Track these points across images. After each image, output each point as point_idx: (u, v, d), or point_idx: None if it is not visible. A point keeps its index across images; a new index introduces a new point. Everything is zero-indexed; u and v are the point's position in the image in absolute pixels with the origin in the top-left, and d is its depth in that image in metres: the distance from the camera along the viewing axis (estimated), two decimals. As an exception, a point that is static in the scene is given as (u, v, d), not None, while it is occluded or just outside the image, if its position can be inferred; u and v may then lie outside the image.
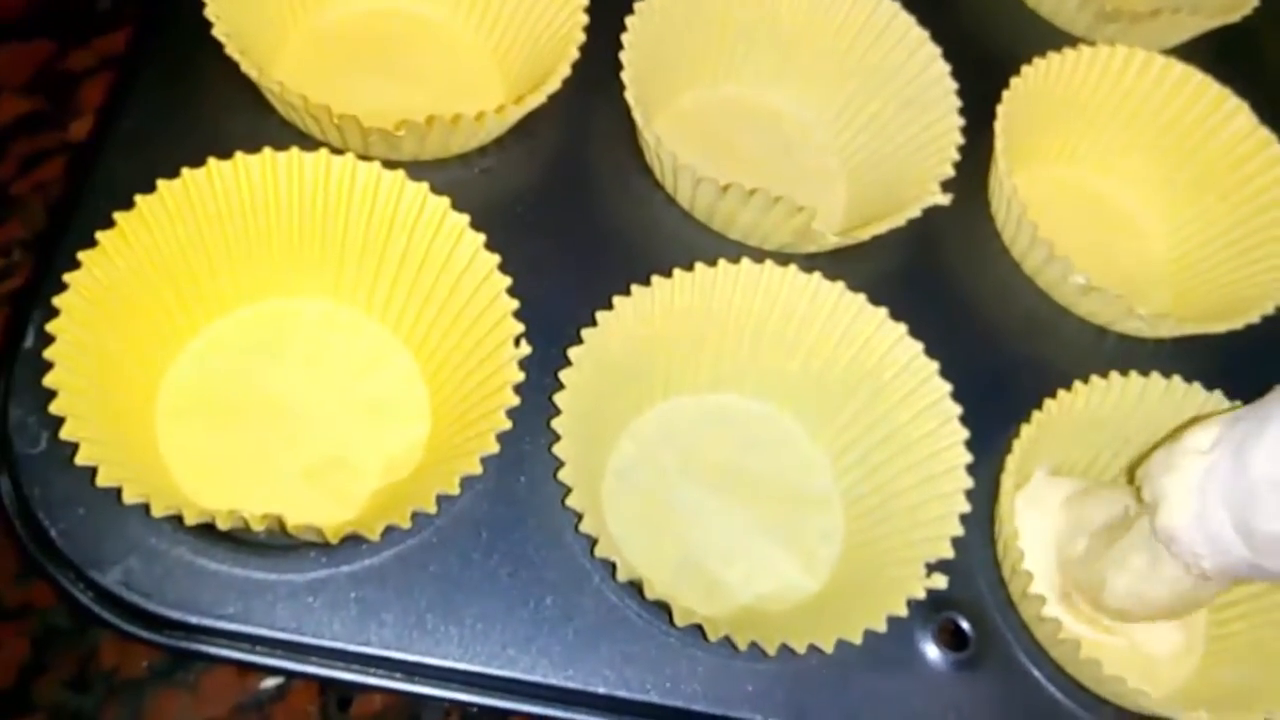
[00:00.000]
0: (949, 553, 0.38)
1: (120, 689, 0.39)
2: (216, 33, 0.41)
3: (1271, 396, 0.37)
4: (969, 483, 0.40)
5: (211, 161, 0.38)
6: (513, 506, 0.39)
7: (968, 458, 0.40)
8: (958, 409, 0.41)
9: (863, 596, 0.40)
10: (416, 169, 0.41)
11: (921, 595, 0.38)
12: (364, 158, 0.40)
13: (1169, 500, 0.38)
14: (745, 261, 0.42)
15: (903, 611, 0.37)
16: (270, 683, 0.40)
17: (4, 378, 0.37)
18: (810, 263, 0.43)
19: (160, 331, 0.40)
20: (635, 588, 0.36)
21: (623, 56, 0.44)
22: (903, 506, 0.41)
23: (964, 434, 0.40)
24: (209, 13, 0.41)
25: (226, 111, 0.44)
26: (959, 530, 0.39)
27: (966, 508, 0.39)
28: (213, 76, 0.43)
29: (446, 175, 0.43)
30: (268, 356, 0.42)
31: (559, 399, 0.38)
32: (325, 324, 0.43)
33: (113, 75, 0.49)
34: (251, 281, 0.42)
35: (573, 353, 0.39)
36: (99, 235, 0.36)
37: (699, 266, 0.41)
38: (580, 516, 0.37)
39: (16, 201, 0.46)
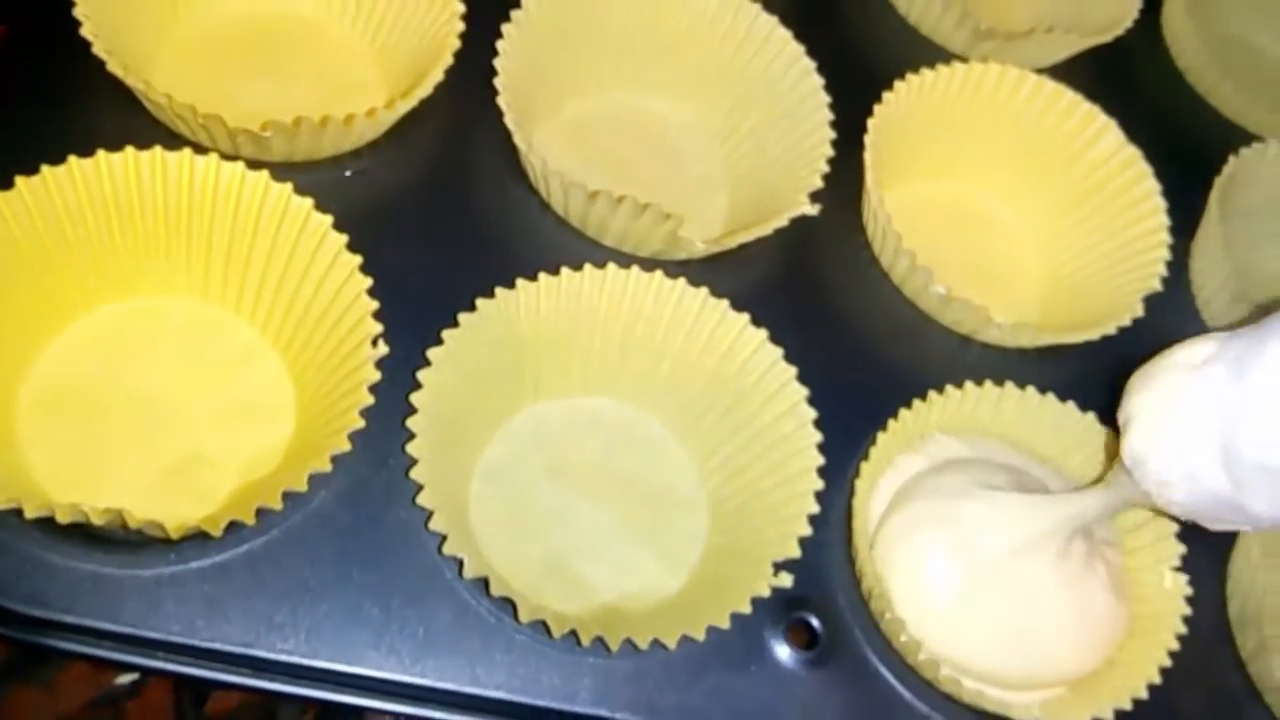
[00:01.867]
0: (796, 552, 0.39)
1: (-29, 685, 0.39)
2: (84, 32, 0.41)
3: (1273, 316, 0.34)
4: (820, 484, 0.41)
5: (72, 159, 0.39)
6: (368, 505, 0.39)
7: (820, 460, 0.41)
8: (813, 412, 0.42)
9: (716, 595, 0.41)
10: (287, 170, 0.42)
11: (766, 593, 0.39)
12: (233, 158, 0.41)
13: (1142, 419, 0.35)
14: (611, 266, 0.43)
15: (747, 609, 0.38)
16: (125, 679, 0.40)
17: None
18: (682, 270, 0.44)
19: (23, 326, 0.40)
20: (483, 584, 0.37)
21: (497, 63, 0.45)
22: (761, 507, 0.42)
23: (818, 436, 0.41)
24: (77, 12, 0.42)
25: (96, 110, 0.44)
26: (807, 530, 0.40)
27: (816, 508, 0.40)
28: (84, 75, 0.43)
29: (315, 177, 0.43)
30: (134, 354, 0.42)
31: (416, 399, 0.39)
32: (193, 323, 0.43)
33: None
34: (118, 279, 0.42)
35: (432, 353, 0.39)
36: (-34, 216, 0.37)
37: (565, 271, 0.42)
38: (430, 514, 0.37)
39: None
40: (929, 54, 0.56)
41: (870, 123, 0.49)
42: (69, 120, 0.44)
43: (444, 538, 0.37)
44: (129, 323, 0.43)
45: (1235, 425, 0.33)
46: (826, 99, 0.49)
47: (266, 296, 0.42)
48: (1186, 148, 0.56)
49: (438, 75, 0.45)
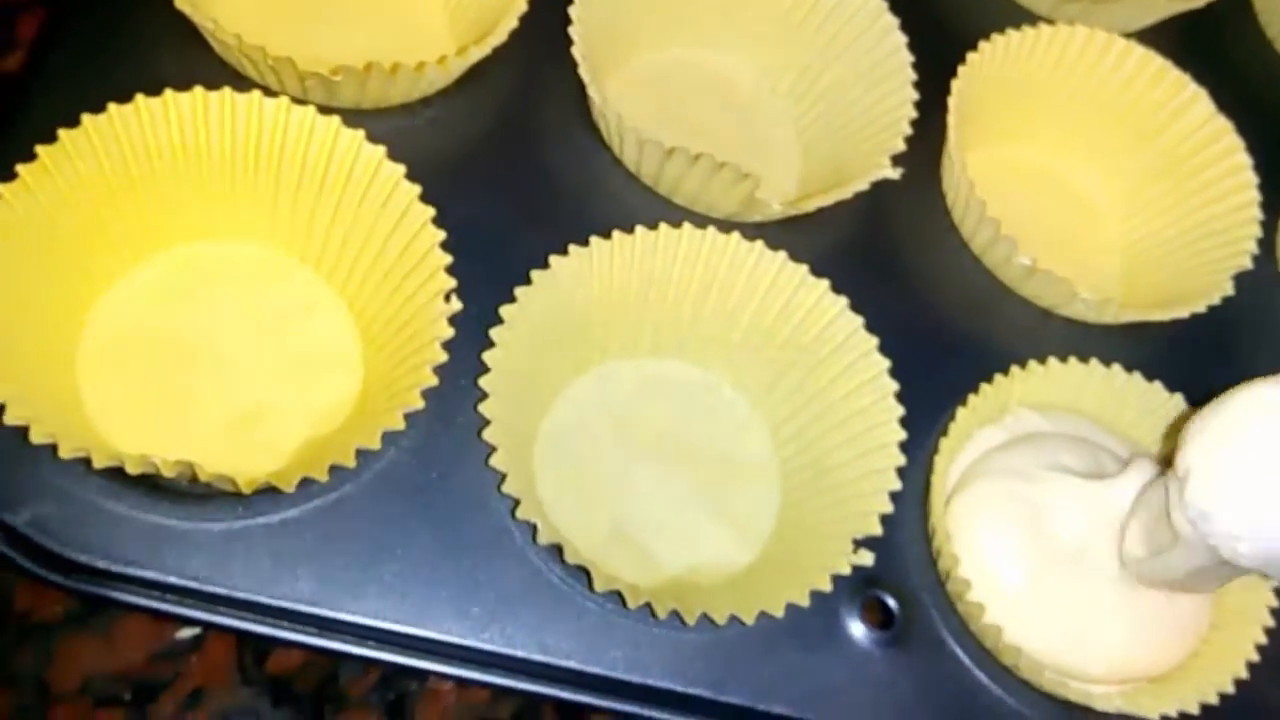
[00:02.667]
0: (878, 530, 0.38)
1: (32, 632, 0.38)
2: None
3: None
4: (902, 460, 0.39)
5: (139, 97, 0.37)
6: (437, 465, 0.38)
7: (902, 434, 0.40)
8: (895, 385, 0.40)
9: (790, 570, 0.40)
10: (356, 117, 0.40)
11: (847, 571, 0.38)
12: (301, 102, 0.39)
13: (1204, 470, 0.34)
14: (686, 227, 0.41)
15: (827, 587, 0.37)
16: (187, 633, 0.39)
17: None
18: (757, 231, 0.43)
19: (84, 271, 0.39)
20: (556, 551, 0.36)
21: (572, 12, 0.43)
22: (837, 481, 0.41)
23: (899, 410, 0.40)
24: None
25: (161, 48, 0.43)
26: (888, 508, 0.39)
27: (898, 485, 0.39)
28: (149, 11, 0.42)
29: (387, 124, 0.42)
30: (197, 300, 0.41)
31: (488, 357, 0.38)
32: (257, 270, 0.42)
33: (47, 9, 0.48)
34: (181, 223, 0.41)
35: (504, 310, 0.38)
36: (19, 168, 0.35)
37: (639, 230, 0.41)
38: (504, 477, 0.36)
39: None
40: (1013, 15, 0.54)
41: (954, 84, 0.47)
42: (134, 59, 0.42)
43: (516, 502, 0.36)
44: (192, 268, 0.42)
45: None
46: (910, 58, 0.47)
47: (334, 245, 0.41)
48: (1276, 120, 0.54)
49: (511, 22, 0.43)
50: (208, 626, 0.38)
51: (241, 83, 0.42)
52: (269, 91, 0.40)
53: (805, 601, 0.37)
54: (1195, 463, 0.34)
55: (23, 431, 0.33)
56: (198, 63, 0.43)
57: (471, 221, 0.41)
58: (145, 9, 0.42)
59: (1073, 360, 0.44)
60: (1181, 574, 0.38)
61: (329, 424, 0.40)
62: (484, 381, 0.37)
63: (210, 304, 0.41)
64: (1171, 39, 0.55)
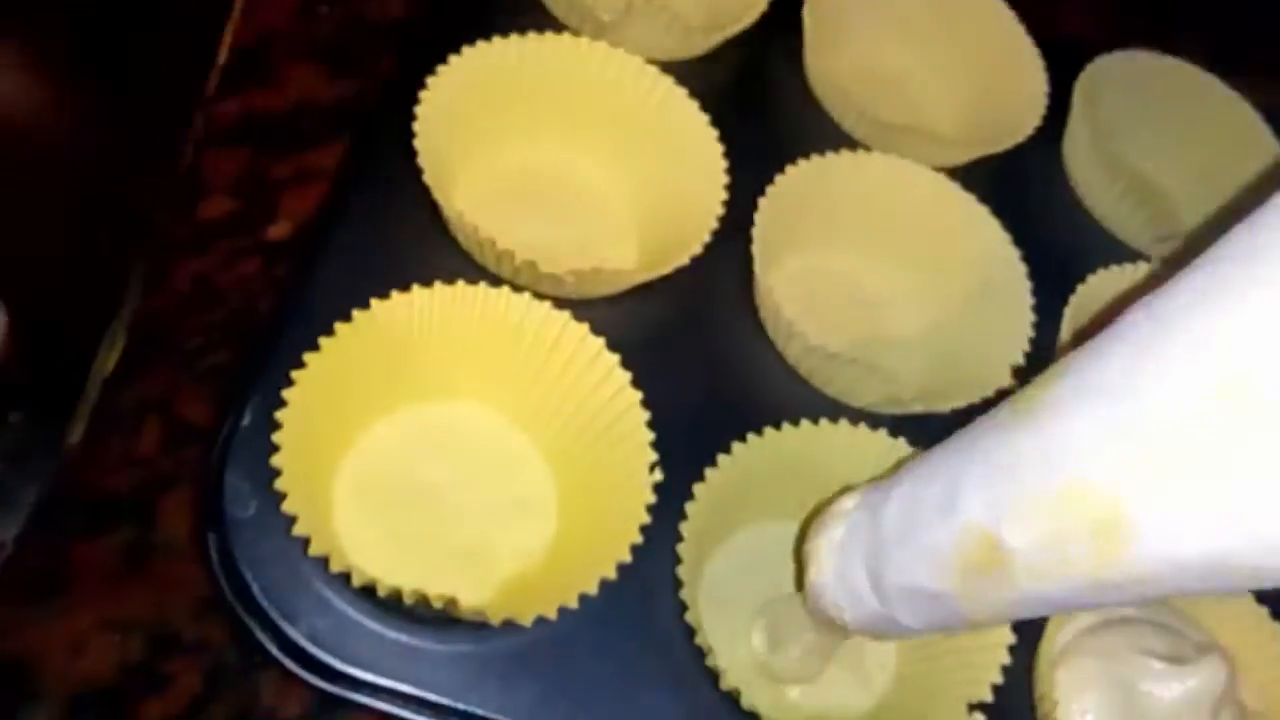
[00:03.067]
0: (989, 697, 0.45)
1: (275, 727, 0.45)
2: (420, 161, 0.48)
3: (905, 465, 0.41)
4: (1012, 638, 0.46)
5: (415, 288, 0.46)
6: (628, 609, 0.45)
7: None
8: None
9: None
10: (565, 304, 0.48)
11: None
12: (516, 286, 0.48)
13: (816, 558, 0.42)
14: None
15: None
16: (401, 736, 0.46)
17: (219, 451, 0.44)
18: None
19: (346, 423, 0.47)
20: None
21: (754, 233, 0.52)
22: (951, 648, 0.48)
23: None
24: (418, 143, 0.49)
25: (415, 233, 0.51)
26: (1000, 679, 0.45)
27: (1009, 660, 0.46)
28: (407, 201, 0.50)
29: (592, 312, 0.50)
30: (426, 452, 0.49)
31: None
32: (478, 428, 0.50)
33: (306, 186, 0.57)
34: (420, 386, 0.49)
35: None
36: (322, 340, 0.44)
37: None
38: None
39: (219, 291, 0.53)
40: (1114, 251, 0.62)
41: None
42: (396, 245, 0.51)
43: (706, 652, 0.43)
44: (425, 423, 0.49)
45: (876, 560, 0.39)
46: (1028, 283, 0.55)
47: (546, 412, 0.49)
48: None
49: (696, 249, 0.51)
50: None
51: (466, 261, 0.51)
52: (491, 275, 0.48)
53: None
54: (810, 551, 0.43)
55: (298, 557, 0.40)
56: (433, 240, 0.51)
57: (655, 404, 0.49)
58: (399, 198, 0.51)
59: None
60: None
61: (529, 561, 0.47)
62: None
63: (437, 454, 0.49)
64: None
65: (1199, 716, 0.48)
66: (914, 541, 0.38)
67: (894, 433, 0.50)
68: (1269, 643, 0.51)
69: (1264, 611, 0.51)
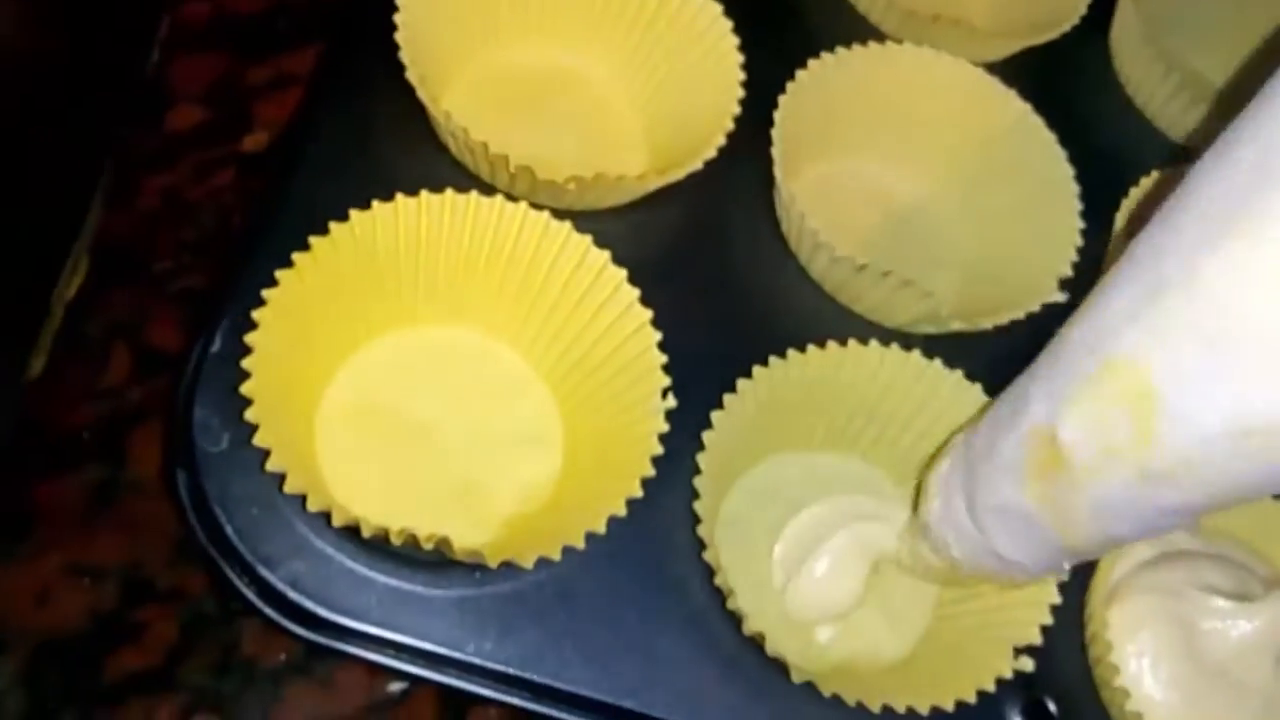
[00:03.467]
0: (1037, 639, 0.41)
1: (258, 678, 0.42)
2: (402, 56, 0.43)
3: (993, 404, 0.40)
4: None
5: (399, 198, 0.41)
6: (645, 548, 0.41)
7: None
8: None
9: (951, 663, 0.42)
10: (565, 217, 0.44)
11: (1009, 675, 0.40)
12: (511, 196, 0.43)
13: (927, 492, 0.42)
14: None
15: (991, 687, 0.40)
16: (395, 687, 0.43)
17: (187, 381, 0.40)
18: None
19: (326, 349, 0.43)
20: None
21: (774, 133, 0.47)
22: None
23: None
24: (399, 36, 0.44)
25: (401, 140, 0.46)
26: (1049, 619, 0.41)
27: (1058, 599, 0.42)
28: (392, 106, 0.46)
29: (595, 225, 0.45)
30: (417, 380, 0.45)
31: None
32: (473, 354, 0.46)
33: (284, 93, 0.52)
34: (409, 308, 0.45)
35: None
36: (295, 256, 0.39)
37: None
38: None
39: (190, 207, 0.49)
40: (1167, 153, 0.57)
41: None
42: (380, 150, 0.46)
43: (727, 594, 0.39)
44: (415, 348, 0.45)
45: (970, 481, 0.39)
46: (1076, 188, 0.50)
47: (546, 335, 0.45)
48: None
49: (710, 152, 0.46)
50: (419, 681, 0.41)
51: (457, 169, 0.47)
52: (480, 181, 0.44)
53: (973, 698, 0.40)
54: (925, 487, 0.43)
55: (278, 494, 0.37)
56: (426, 152, 0.47)
57: (667, 324, 0.45)
58: (383, 103, 0.46)
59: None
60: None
61: (533, 502, 0.44)
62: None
63: (429, 383, 0.45)
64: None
65: (1266, 657, 0.44)
66: (995, 456, 0.37)
67: (928, 354, 0.45)
68: (1341, 577, 0.47)
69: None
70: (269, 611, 0.38)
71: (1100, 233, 0.50)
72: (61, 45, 0.48)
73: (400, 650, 0.39)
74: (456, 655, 0.39)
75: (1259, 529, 0.47)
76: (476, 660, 0.39)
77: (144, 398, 0.45)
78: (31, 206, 0.46)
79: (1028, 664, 0.41)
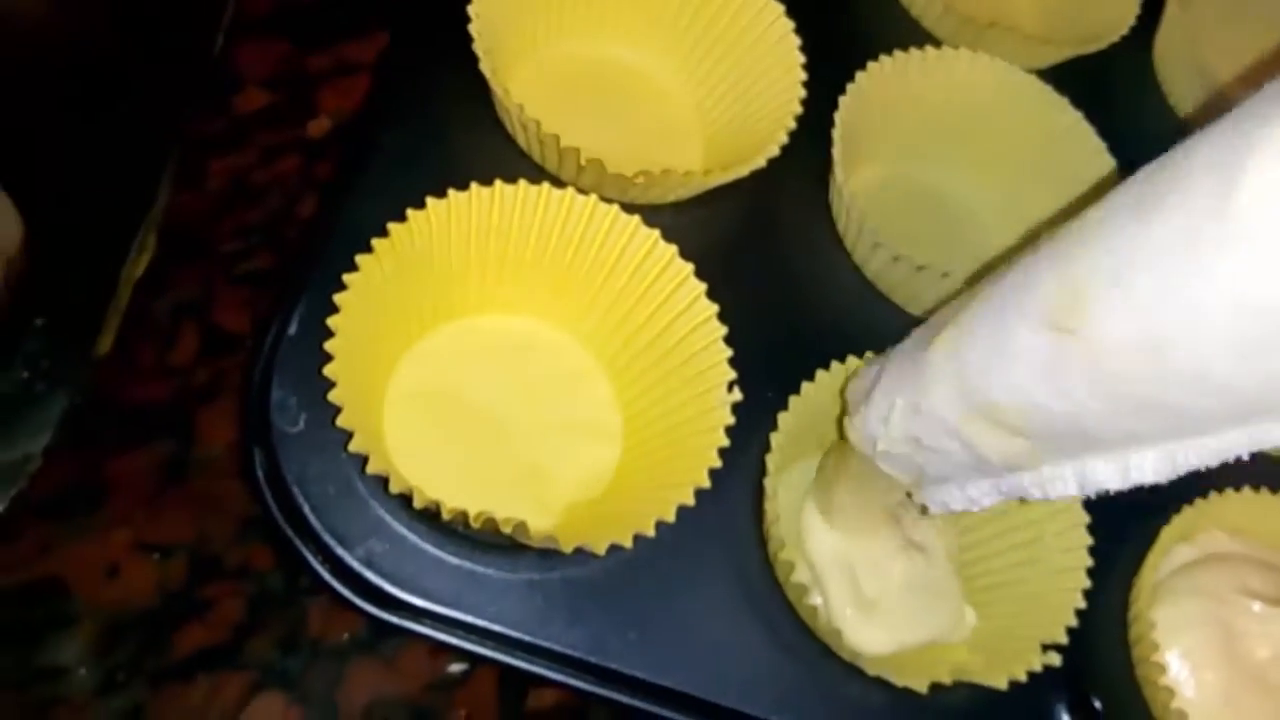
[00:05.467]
0: (1064, 639, 0.42)
1: (324, 655, 0.43)
2: (476, 48, 0.44)
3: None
4: (1087, 584, 0.43)
5: (474, 187, 0.42)
6: (709, 538, 0.42)
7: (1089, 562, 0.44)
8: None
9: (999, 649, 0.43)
10: (631, 210, 0.44)
11: (1038, 668, 0.41)
12: (579, 188, 0.44)
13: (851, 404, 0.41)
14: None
15: (1023, 677, 0.41)
16: (457, 668, 0.43)
17: (265, 361, 0.41)
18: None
19: (396, 334, 0.44)
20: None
21: (835, 134, 0.48)
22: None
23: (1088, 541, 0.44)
24: (473, 28, 0.44)
25: (469, 130, 0.47)
26: (1074, 621, 0.42)
27: (1083, 604, 0.43)
28: (460, 96, 0.46)
29: (659, 219, 0.46)
30: (480, 368, 0.45)
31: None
32: (537, 343, 0.47)
33: (347, 80, 0.53)
34: (477, 295, 0.45)
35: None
36: (374, 242, 0.40)
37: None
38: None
39: (256, 190, 0.49)
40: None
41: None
42: (448, 142, 0.47)
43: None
44: (481, 335, 0.46)
45: (966, 389, 0.35)
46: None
47: (608, 326, 0.46)
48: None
49: (773, 150, 0.47)
50: (481, 661, 0.41)
51: (523, 161, 0.47)
52: (554, 178, 0.45)
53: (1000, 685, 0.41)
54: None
55: (353, 475, 0.37)
56: (482, 136, 0.47)
57: (725, 318, 0.45)
58: (452, 93, 0.47)
59: (1264, 490, 0.48)
60: None
61: (593, 488, 0.44)
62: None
63: (493, 370, 0.45)
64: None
65: None
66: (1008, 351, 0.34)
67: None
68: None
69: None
70: (342, 590, 0.39)
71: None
72: (129, 29, 0.49)
73: (469, 631, 0.39)
74: (525, 637, 0.39)
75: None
76: (544, 643, 0.39)
77: (211, 376, 0.46)
78: (100, 186, 0.47)
79: (1055, 659, 0.42)
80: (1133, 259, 0.29)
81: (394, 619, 0.39)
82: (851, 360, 0.45)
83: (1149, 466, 0.32)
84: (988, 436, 0.35)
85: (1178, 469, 0.32)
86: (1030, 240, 0.42)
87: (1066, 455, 0.34)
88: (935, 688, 0.40)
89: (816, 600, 0.40)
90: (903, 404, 0.38)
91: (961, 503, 0.38)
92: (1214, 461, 0.31)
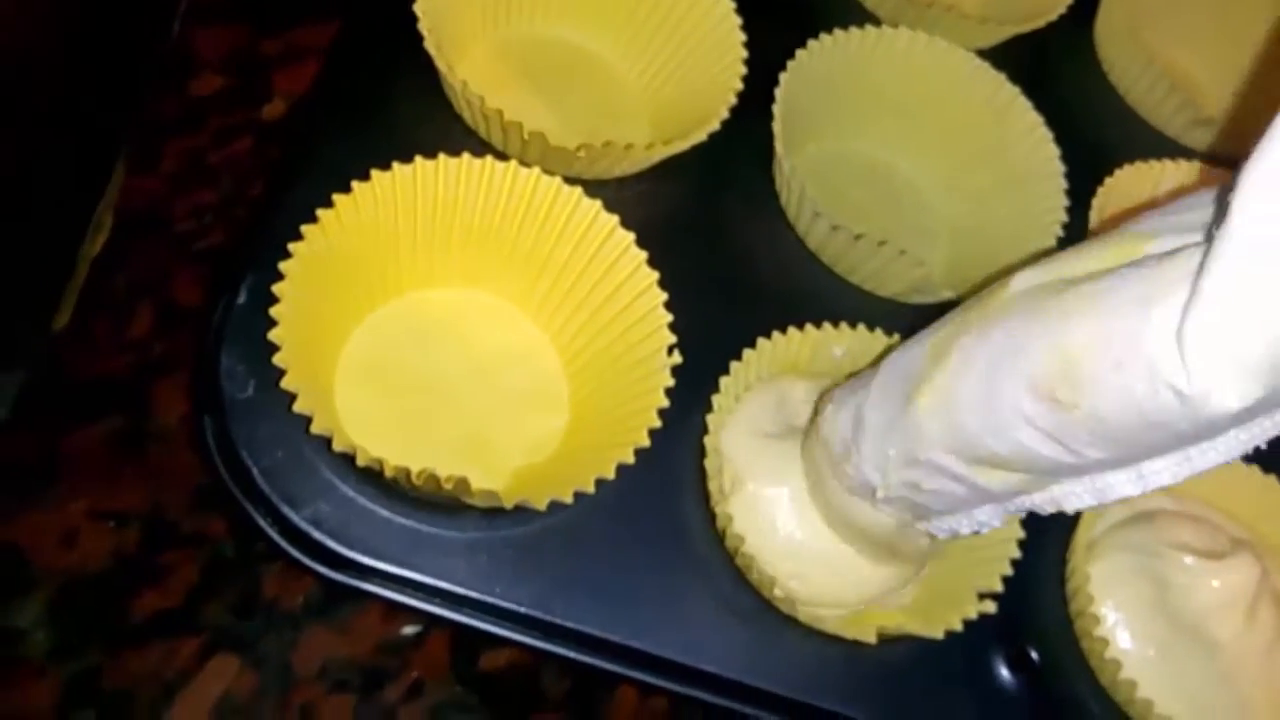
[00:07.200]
0: (999, 587, 0.43)
1: (278, 619, 0.43)
2: (421, 27, 0.45)
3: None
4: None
5: (418, 160, 0.43)
6: (652, 495, 0.43)
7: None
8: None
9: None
10: (575, 184, 0.45)
11: (974, 616, 0.42)
12: (523, 163, 0.45)
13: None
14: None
15: (958, 627, 0.42)
16: (410, 630, 0.44)
17: (214, 330, 0.42)
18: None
19: (345, 306, 0.45)
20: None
21: (775, 110, 0.49)
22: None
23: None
24: (418, 7, 0.45)
25: (417, 107, 0.48)
26: (1009, 570, 0.44)
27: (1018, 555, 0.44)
28: (409, 75, 0.48)
29: (602, 194, 0.47)
30: (432, 338, 0.46)
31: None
32: (484, 314, 0.48)
33: (301, 65, 0.54)
34: (424, 270, 0.47)
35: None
36: (319, 213, 0.41)
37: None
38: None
39: (211, 170, 0.50)
40: (1145, 138, 0.59)
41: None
42: (390, 115, 0.48)
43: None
44: (430, 308, 0.47)
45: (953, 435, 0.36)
46: (1062, 167, 0.53)
47: (555, 297, 0.47)
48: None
49: (714, 125, 0.48)
50: (435, 621, 0.42)
51: (469, 136, 0.48)
52: (491, 147, 0.46)
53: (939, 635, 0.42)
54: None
55: (302, 437, 0.38)
56: (432, 112, 0.48)
57: (670, 288, 0.47)
58: (401, 72, 0.48)
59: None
60: None
61: (539, 454, 0.45)
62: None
63: (443, 341, 0.47)
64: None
65: (1234, 612, 0.46)
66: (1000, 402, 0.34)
67: (918, 323, 0.47)
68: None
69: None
70: (292, 551, 0.40)
71: (1082, 210, 0.52)
72: (85, 15, 0.50)
73: (416, 589, 0.40)
74: (470, 594, 0.40)
75: (1228, 490, 0.50)
76: (489, 599, 0.40)
77: (167, 350, 0.47)
78: (57, 167, 0.48)
79: (990, 607, 0.43)
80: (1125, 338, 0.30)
81: (342, 578, 0.40)
82: (793, 331, 0.46)
83: (1166, 473, 0.32)
84: (992, 476, 0.36)
85: (1195, 469, 0.32)
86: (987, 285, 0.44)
87: (1078, 475, 0.34)
88: (883, 638, 0.42)
89: (752, 550, 0.42)
90: (896, 455, 0.38)
91: (970, 528, 0.39)
92: (1229, 458, 0.32)
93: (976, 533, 0.40)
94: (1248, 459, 0.49)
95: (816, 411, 0.43)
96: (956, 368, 0.35)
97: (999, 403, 0.33)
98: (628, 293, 0.45)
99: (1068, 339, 0.31)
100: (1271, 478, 0.50)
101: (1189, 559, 0.47)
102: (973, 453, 0.35)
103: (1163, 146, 0.60)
